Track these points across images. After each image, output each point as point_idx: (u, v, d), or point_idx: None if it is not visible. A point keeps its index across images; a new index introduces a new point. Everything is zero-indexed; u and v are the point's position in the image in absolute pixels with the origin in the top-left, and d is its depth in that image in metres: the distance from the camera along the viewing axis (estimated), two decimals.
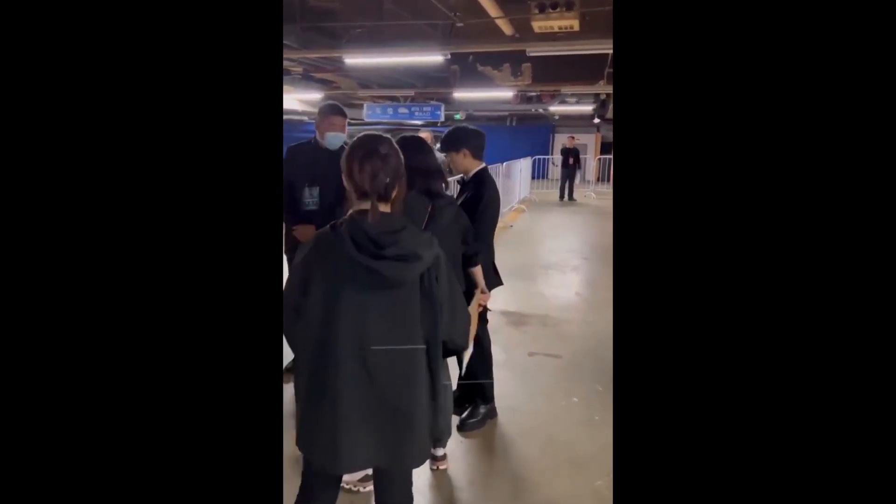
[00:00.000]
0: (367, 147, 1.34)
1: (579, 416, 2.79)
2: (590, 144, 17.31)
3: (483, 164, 2.54)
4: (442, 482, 2.28)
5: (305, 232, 2.50)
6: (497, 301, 3.85)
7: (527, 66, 9.26)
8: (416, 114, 12.34)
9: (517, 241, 7.29)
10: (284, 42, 6.88)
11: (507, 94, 11.24)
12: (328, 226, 1.35)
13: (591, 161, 15.78)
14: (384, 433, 1.35)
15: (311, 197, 2.67)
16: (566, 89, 11.02)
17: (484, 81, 10.05)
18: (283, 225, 2.62)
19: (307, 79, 10.50)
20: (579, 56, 7.20)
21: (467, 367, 2.58)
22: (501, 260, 2.74)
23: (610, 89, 9.86)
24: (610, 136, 15.43)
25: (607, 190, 13.27)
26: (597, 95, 12.36)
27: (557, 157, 13.24)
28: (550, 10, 5.40)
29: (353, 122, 3.56)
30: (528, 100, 13.08)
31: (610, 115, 13.29)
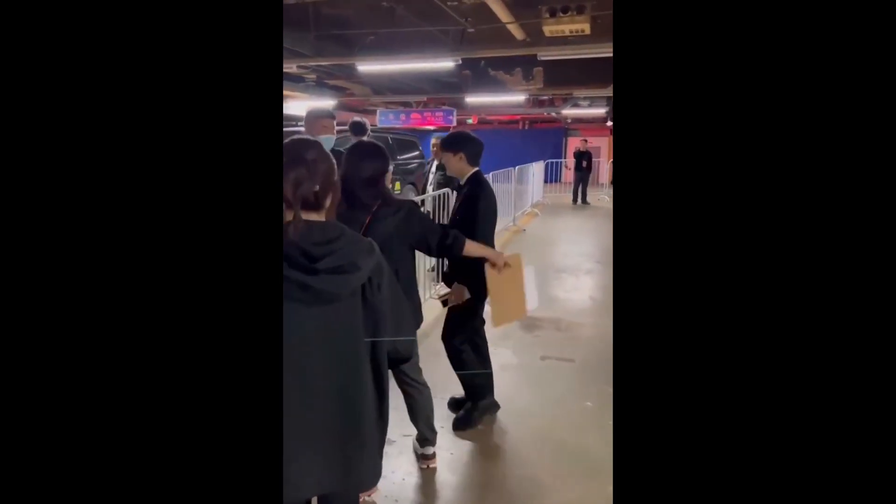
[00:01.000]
0: (291, 153, 1.24)
1: (592, 420, 2.79)
2: (603, 147, 17.21)
3: (477, 169, 2.65)
4: (452, 486, 2.30)
5: None
6: None
7: (538, 70, 9.24)
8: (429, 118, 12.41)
9: (530, 245, 7.28)
10: (298, 50, 6.96)
11: (519, 98, 11.25)
12: None
13: (605, 164, 15.68)
14: (331, 456, 1.29)
15: None
16: (578, 93, 10.97)
17: (496, 86, 10.06)
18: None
19: (321, 86, 10.61)
20: (591, 59, 7.17)
21: (461, 361, 2.62)
22: None
23: None
24: None
25: None
26: (609, 98, 12.30)
27: (570, 161, 13.17)
28: (561, 15, 5.40)
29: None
30: (541, 103, 13.07)
31: None
